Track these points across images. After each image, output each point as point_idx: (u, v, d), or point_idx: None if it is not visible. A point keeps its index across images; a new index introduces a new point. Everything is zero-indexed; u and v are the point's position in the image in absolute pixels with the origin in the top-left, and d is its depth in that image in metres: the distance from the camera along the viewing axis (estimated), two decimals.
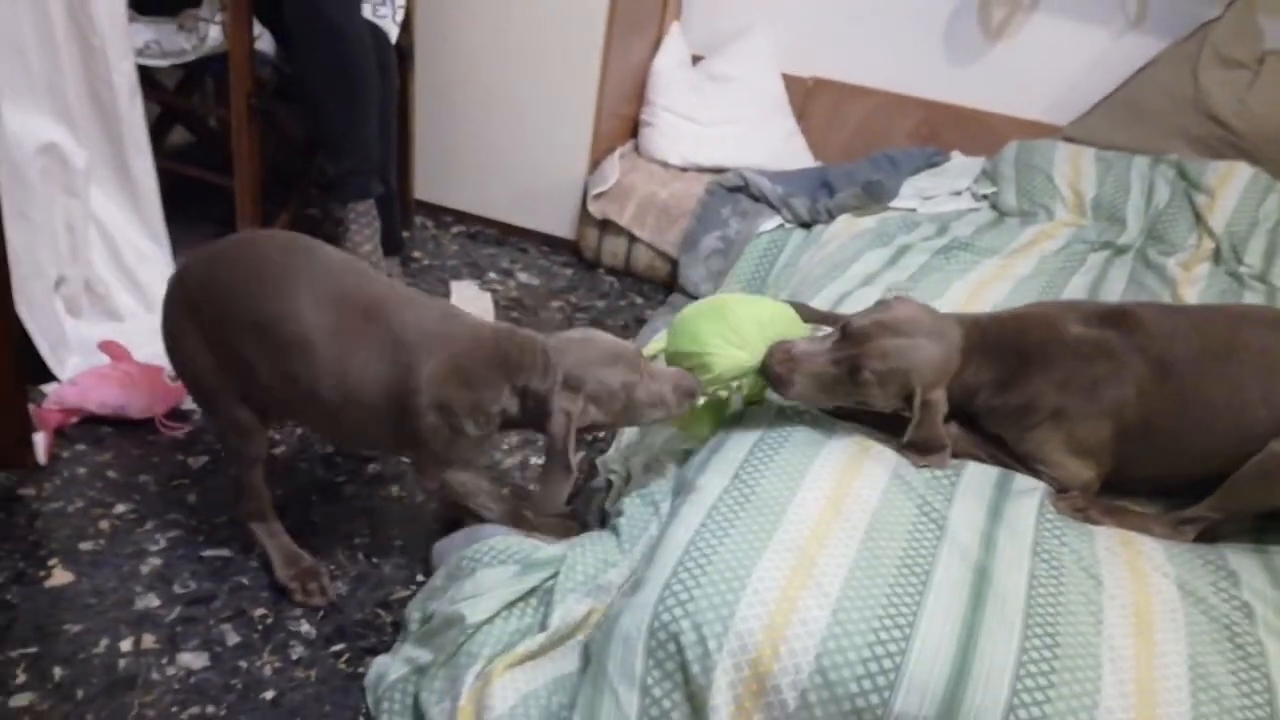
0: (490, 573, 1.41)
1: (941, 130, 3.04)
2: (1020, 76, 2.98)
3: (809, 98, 3.13)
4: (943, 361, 1.46)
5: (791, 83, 3.09)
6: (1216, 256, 2.46)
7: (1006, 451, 1.51)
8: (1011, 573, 1.25)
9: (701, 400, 1.51)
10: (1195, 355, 1.45)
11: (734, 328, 1.50)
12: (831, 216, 2.56)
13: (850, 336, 1.46)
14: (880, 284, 2.06)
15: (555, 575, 1.38)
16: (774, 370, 1.46)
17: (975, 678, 1.11)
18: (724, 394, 1.54)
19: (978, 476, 1.45)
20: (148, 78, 2.00)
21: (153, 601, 1.50)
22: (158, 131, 2.14)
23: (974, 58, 3.00)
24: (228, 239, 1.46)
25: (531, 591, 1.38)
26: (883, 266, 2.20)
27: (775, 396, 1.55)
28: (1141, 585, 1.28)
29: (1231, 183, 2.56)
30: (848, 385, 1.45)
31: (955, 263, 2.23)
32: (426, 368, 1.36)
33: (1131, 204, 2.60)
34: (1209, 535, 1.44)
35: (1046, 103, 2.98)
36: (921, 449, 1.45)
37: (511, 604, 1.37)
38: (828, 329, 1.56)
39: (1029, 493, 1.43)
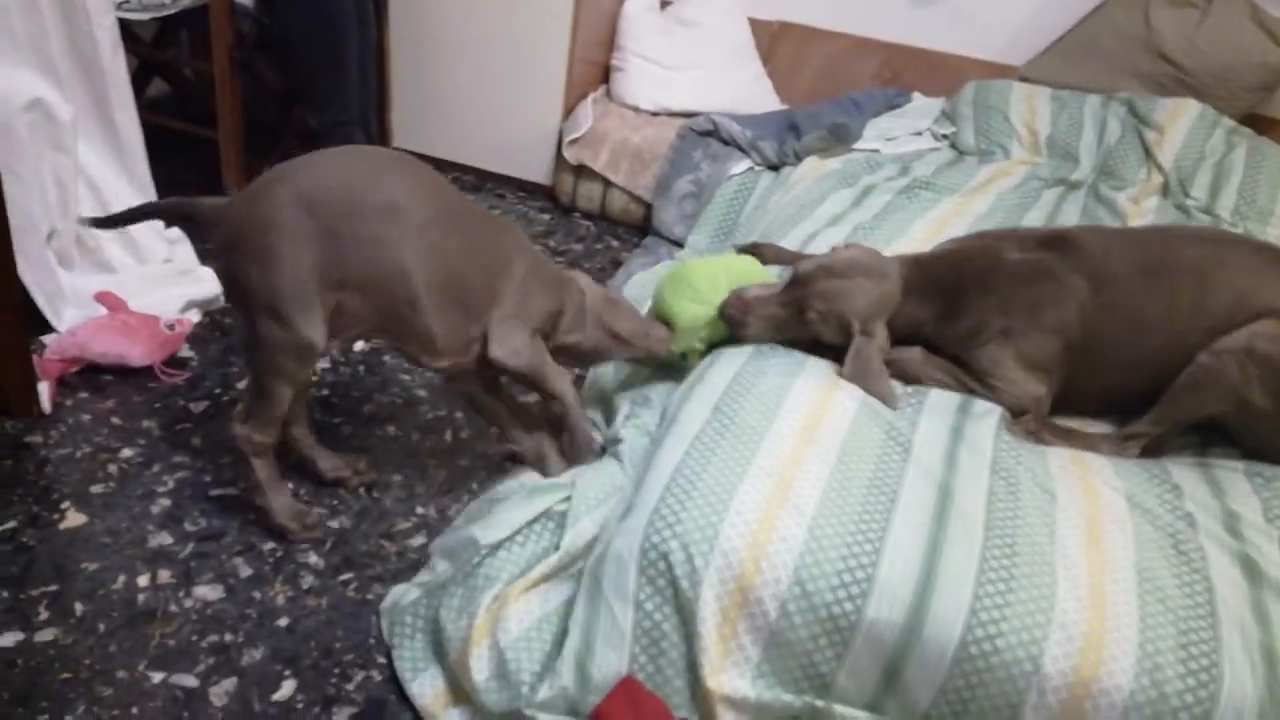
0: (505, 501, 1.50)
1: (903, 72, 3.11)
2: (978, 18, 3.05)
3: (774, 41, 3.18)
4: (879, 299, 1.61)
5: (757, 27, 3.14)
6: (1165, 190, 2.56)
7: (966, 372, 1.62)
8: (972, 490, 1.36)
9: (676, 350, 1.71)
10: (1131, 271, 1.57)
11: (693, 286, 1.68)
12: (799, 159, 2.64)
13: (796, 280, 1.62)
14: (846, 224, 2.15)
15: (567, 499, 1.47)
16: (729, 314, 1.63)
17: (940, 586, 1.21)
18: (697, 345, 1.71)
19: (941, 401, 1.56)
20: (125, 31, 2.01)
21: (165, 539, 1.58)
22: (136, 84, 2.15)
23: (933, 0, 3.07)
24: (326, 152, 1.48)
25: (546, 515, 1.46)
26: (848, 207, 2.28)
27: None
28: (1092, 499, 1.40)
29: (1180, 119, 2.66)
30: (796, 324, 1.63)
31: (917, 201, 2.32)
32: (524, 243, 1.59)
33: (1084, 141, 2.70)
34: (1154, 450, 1.56)
35: (1003, 44, 3.05)
36: (862, 381, 1.56)
37: (528, 527, 1.45)
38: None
39: (988, 415, 1.54)
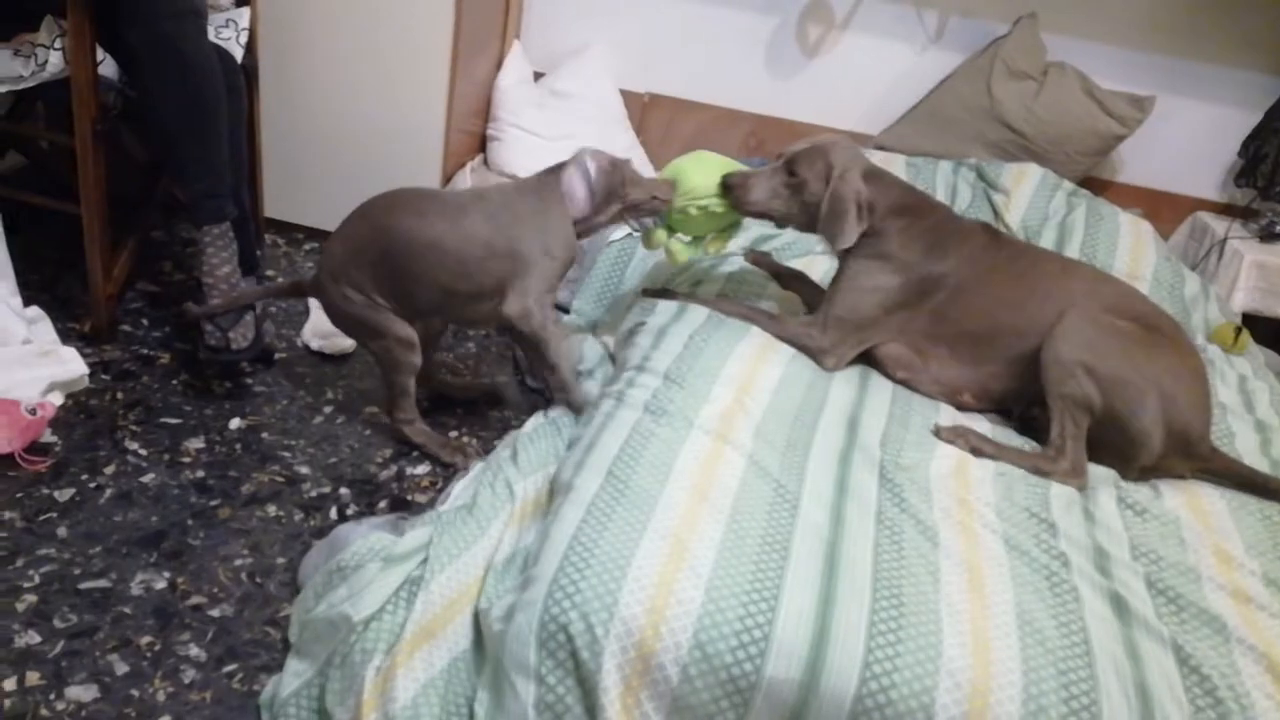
0: (362, 573, 1.48)
1: (768, 141, 3.23)
2: (835, 90, 3.21)
3: (646, 112, 3.27)
4: (855, 153, 1.94)
5: (629, 98, 3.22)
6: None
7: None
8: (859, 541, 1.41)
9: (674, 207, 1.97)
10: (1011, 260, 1.96)
11: (704, 162, 1.98)
12: None
13: (785, 155, 1.94)
14: (715, 283, 2.23)
15: (424, 561, 1.47)
16: (732, 181, 1.92)
17: (834, 641, 1.24)
18: (693, 211, 1.96)
19: (824, 456, 1.61)
20: None
21: (33, 638, 1.49)
22: None
23: (794, 73, 3.21)
24: (348, 219, 1.91)
25: (409, 580, 1.46)
26: (719, 266, 2.36)
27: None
28: (972, 543, 1.47)
29: (1024, 182, 2.84)
30: (787, 187, 1.92)
31: (784, 259, 2.43)
32: (518, 214, 1.89)
33: None
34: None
35: (859, 114, 3.21)
36: (828, 222, 1.88)
37: (396, 594, 1.44)
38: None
39: (871, 465, 1.61)
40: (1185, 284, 2.63)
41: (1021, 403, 1.94)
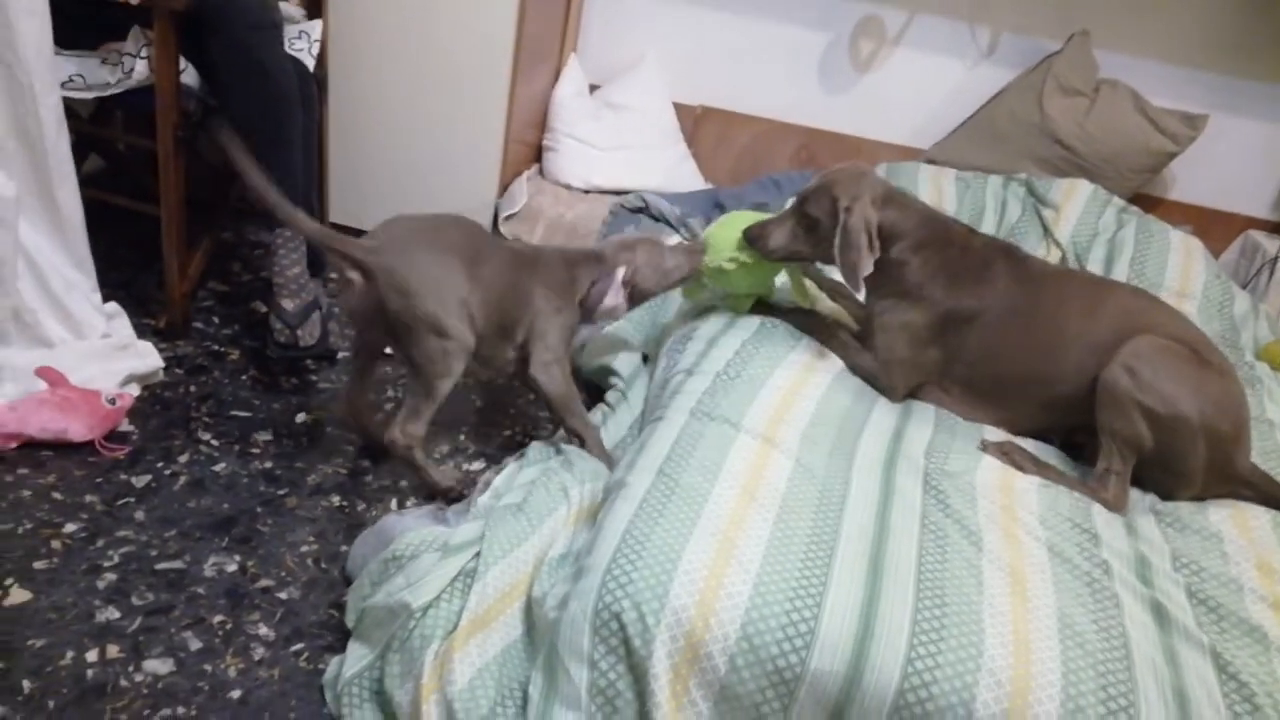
0: (418, 562, 1.54)
1: (819, 154, 3.27)
2: (887, 104, 3.25)
3: (698, 125, 3.33)
4: (860, 178, 1.89)
5: (681, 110, 3.28)
6: (1063, 264, 2.74)
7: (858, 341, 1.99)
8: (903, 543, 1.44)
9: (709, 267, 2.03)
10: (1041, 286, 1.91)
11: (733, 223, 2.02)
12: None
13: (798, 195, 1.95)
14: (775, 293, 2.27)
15: (478, 555, 1.53)
16: (752, 235, 1.95)
17: (877, 637, 1.28)
18: (727, 266, 2.01)
19: (869, 458, 1.65)
20: (65, 107, 2.03)
21: (113, 614, 1.57)
22: (74, 159, 2.16)
23: (846, 88, 3.26)
24: (422, 216, 1.86)
25: (463, 571, 1.53)
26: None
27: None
28: (1015, 548, 1.49)
29: (1074, 198, 2.85)
30: (802, 227, 1.91)
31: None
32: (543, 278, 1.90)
33: (987, 219, 2.86)
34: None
35: (911, 128, 3.24)
36: (847, 264, 1.82)
37: (451, 584, 1.51)
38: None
39: (915, 471, 1.65)
40: (1235, 302, 2.62)
41: (1057, 435, 1.93)
